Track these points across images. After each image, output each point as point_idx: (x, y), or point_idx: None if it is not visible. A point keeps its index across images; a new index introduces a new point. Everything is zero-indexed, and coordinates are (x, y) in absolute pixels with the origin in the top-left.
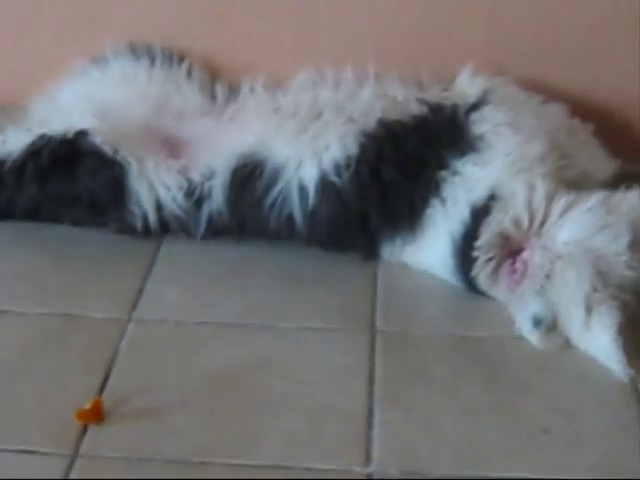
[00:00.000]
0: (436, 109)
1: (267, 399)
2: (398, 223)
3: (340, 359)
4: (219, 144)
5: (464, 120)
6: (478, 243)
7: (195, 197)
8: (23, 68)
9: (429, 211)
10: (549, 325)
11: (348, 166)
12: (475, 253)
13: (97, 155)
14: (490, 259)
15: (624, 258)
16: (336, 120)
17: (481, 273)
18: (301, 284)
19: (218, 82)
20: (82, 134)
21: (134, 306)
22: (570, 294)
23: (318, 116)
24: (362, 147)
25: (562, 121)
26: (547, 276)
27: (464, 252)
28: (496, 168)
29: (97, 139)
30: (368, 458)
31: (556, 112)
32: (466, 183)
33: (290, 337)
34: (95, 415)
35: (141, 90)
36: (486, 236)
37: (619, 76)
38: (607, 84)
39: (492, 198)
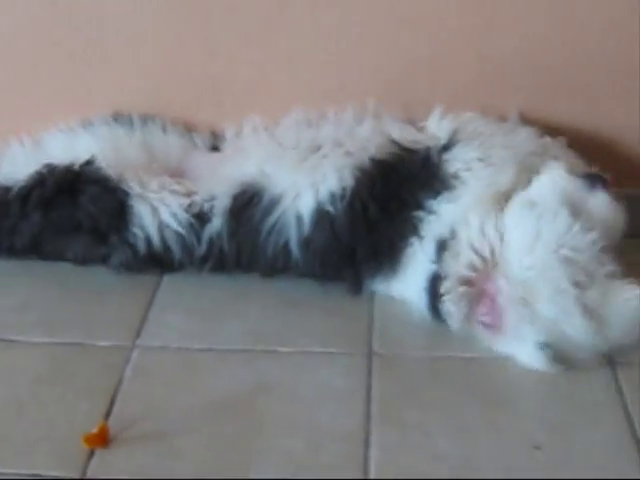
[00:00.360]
0: (411, 152)
1: (268, 421)
2: (380, 259)
3: (338, 381)
4: (221, 173)
5: (437, 161)
6: (443, 291)
7: (197, 216)
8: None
9: (409, 249)
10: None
11: (343, 197)
12: (443, 300)
13: (101, 182)
14: (459, 304)
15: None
16: (334, 153)
17: (454, 319)
18: (300, 310)
19: (196, 133)
20: (88, 163)
21: (138, 334)
22: (558, 304)
23: (317, 149)
24: (357, 181)
25: (532, 144)
26: (524, 300)
27: (435, 290)
28: (463, 203)
29: (103, 166)
30: (366, 475)
31: (526, 137)
32: (440, 221)
33: (290, 361)
34: (101, 440)
35: (124, 149)
36: (448, 284)
37: (611, 107)
38: (597, 115)
39: (453, 236)
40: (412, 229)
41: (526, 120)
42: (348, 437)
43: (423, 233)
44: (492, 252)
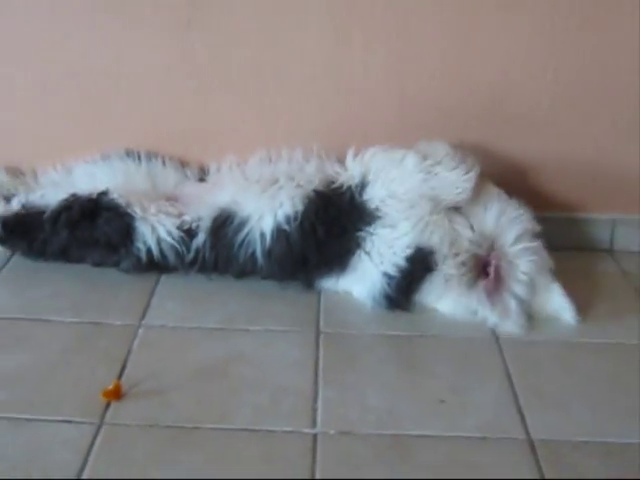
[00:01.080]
0: (340, 192)
1: (241, 382)
2: (331, 266)
3: (294, 352)
4: (205, 199)
5: (359, 200)
6: (450, 268)
7: (186, 232)
8: (42, 148)
9: (356, 258)
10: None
11: (295, 219)
12: (449, 274)
13: (113, 209)
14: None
15: None
16: (288, 185)
17: (453, 289)
18: (265, 300)
19: (187, 167)
20: (103, 193)
21: (143, 316)
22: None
23: (275, 182)
24: (305, 206)
25: (419, 167)
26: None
27: (402, 284)
28: (406, 229)
29: (114, 196)
30: (314, 423)
31: (412, 162)
32: (385, 240)
33: (257, 337)
34: (115, 394)
35: (133, 178)
36: (454, 264)
37: (516, 137)
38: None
39: (420, 250)
40: (357, 245)
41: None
42: (301, 394)
43: (368, 248)
44: (495, 240)
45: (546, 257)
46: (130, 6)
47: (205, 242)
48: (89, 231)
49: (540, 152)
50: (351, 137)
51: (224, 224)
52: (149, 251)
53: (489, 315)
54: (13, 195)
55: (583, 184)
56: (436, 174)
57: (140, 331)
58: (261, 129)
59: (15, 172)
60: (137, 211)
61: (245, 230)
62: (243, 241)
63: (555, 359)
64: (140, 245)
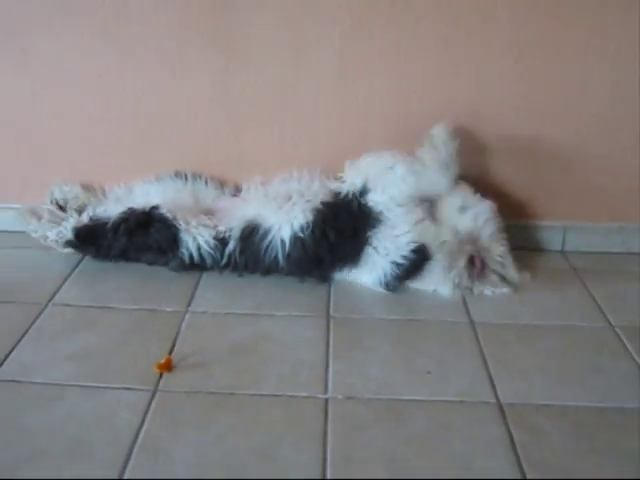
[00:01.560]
0: (347, 200)
1: (267, 357)
2: (345, 262)
3: (309, 333)
4: (235, 213)
5: (364, 205)
6: (459, 261)
7: (220, 240)
8: (109, 169)
9: (365, 253)
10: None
11: (308, 228)
12: (446, 264)
13: (162, 221)
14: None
15: None
16: (300, 201)
17: (459, 277)
18: (287, 291)
19: (225, 186)
20: (155, 208)
21: (189, 304)
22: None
23: (289, 198)
24: (314, 217)
25: (408, 173)
26: (499, 256)
27: (410, 269)
28: (405, 229)
29: (163, 211)
30: (326, 390)
31: (403, 173)
32: (389, 237)
33: (280, 321)
34: (167, 367)
35: (181, 194)
36: (446, 256)
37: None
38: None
39: (421, 244)
40: (366, 243)
41: None
42: (315, 366)
43: (375, 244)
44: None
45: (505, 240)
46: (181, 56)
47: (235, 248)
48: (143, 238)
49: (505, 168)
50: (353, 157)
51: (251, 234)
52: (191, 256)
53: (483, 289)
54: (86, 206)
55: (540, 196)
56: (423, 175)
57: (187, 316)
58: (282, 154)
59: (88, 188)
60: (181, 224)
61: (269, 238)
62: (267, 247)
63: (519, 339)
64: (184, 250)
